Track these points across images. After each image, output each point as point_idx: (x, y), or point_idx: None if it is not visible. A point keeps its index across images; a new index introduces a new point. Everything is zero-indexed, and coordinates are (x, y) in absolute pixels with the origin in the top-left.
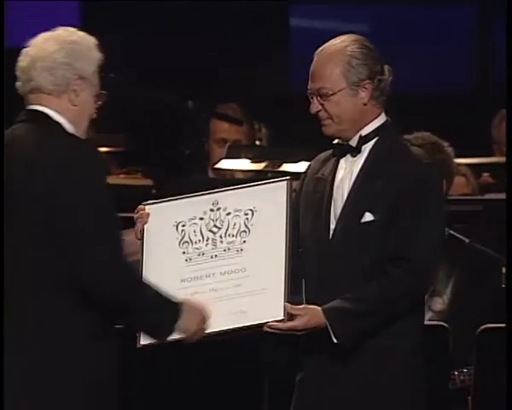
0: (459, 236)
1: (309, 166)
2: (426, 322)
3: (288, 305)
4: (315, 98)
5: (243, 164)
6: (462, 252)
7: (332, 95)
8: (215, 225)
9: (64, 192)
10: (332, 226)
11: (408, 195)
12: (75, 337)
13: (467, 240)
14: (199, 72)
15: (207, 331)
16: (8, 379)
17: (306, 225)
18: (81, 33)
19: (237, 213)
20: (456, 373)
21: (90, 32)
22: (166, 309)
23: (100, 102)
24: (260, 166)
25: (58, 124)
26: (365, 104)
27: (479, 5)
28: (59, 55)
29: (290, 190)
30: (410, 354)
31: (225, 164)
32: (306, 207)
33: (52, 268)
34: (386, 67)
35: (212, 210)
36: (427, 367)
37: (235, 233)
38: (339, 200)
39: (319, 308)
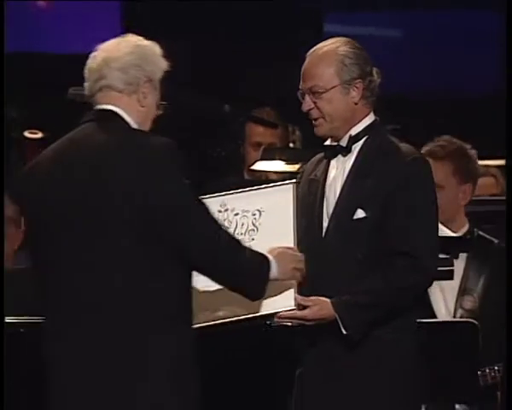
0: (488, 236)
1: (303, 168)
2: (456, 319)
3: (299, 296)
4: (307, 96)
5: (277, 166)
6: (491, 252)
7: (324, 92)
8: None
9: (155, 187)
10: (325, 225)
11: (398, 193)
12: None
13: (496, 240)
14: (234, 75)
15: (221, 321)
16: (94, 367)
17: (301, 226)
18: (148, 41)
19: (245, 214)
20: (487, 370)
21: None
22: (262, 263)
23: (160, 111)
24: (294, 167)
25: (126, 122)
26: (356, 103)
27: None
28: (131, 57)
29: (296, 192)
30: (409, 348)
31: (260, 166)
32: (301, 208)
33: (154, 258)
34: (374, 69)
35: (220, 211)
36: (457, 364)
37: (243, 232)
38: (331, 198)
39: (328, 300)
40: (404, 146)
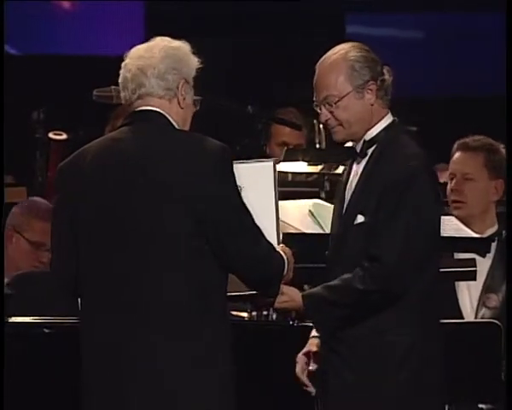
0: None
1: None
2: (479, 320)
3: None
4: (323, 108)
5: (301, 167)
6: None
7: (339, 100)
8: None
9: (210, 189)
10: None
11: (384, 195)
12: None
13: None
14: (257, 76)
15: None
16: (140, 368)
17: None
18: (177, 41)
19: None
20: None
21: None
22: (283, 267)
23: (197, 108)
24: (317, 168)
25: (170, 123)
26: (372, 104)
27: None
28: (167, 62)
29: (276, 171)
30: (409, 350)
31: (283, 167)
32: (336, 199)
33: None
34: (385, 68)
35: None
36: (480, 363)
37: None
38: (346, 203)
39: (298, 293)
40: (412, 150)
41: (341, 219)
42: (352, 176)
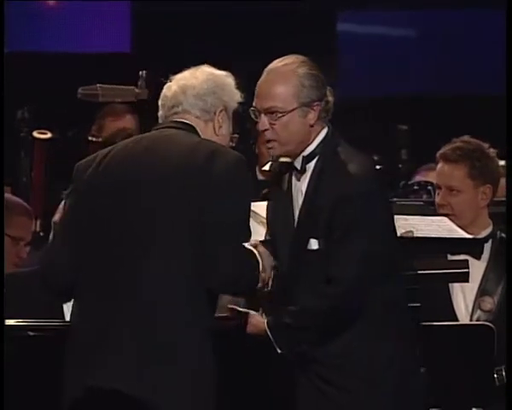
0: None
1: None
2: (472, 322)
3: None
4: (263, 116)
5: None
6: None
7: (283, 115)
8: None
9: (222, 197)
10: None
11: (333, 213)
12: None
13: None
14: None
15: None
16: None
17: (275, 235)
18: (223, 71)
19: None
20: (503, 372)
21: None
22: (256, 265)
23: (233, 144)
24: None
25: (198, 134)
26: (312, 126)
27: None
28: (208, 85)
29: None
30: (386, 362)
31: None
32: (273, 217)
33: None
34: (328, 89)
35: None
36: (473, 366)
37: None
38: (295, 222)
39: (263, 322)
40: (354, 164)
41: (291, 239)
42: (295, 193)
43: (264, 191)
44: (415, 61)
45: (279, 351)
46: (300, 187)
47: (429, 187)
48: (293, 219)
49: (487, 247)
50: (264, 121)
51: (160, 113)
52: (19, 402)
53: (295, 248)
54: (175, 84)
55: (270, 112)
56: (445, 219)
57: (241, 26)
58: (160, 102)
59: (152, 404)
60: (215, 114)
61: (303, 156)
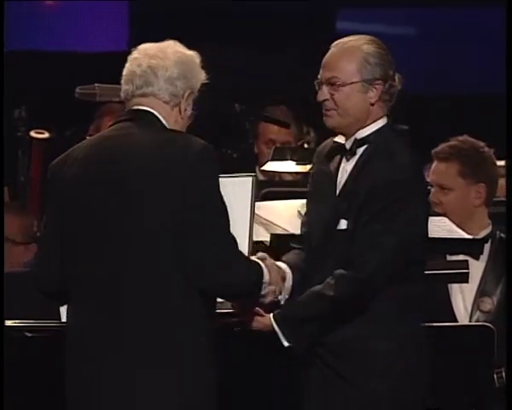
0: None
1: (319, 152)
2: (471, 323)
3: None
4: (324, 87)
5: (289, 166)
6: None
7: (343, 86)
8: None
9: (193, 186)
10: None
11: (369, 197)
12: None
13: None
14: (246, 75)
15: None
16: (120, 375)
17: (312, 217)
18: (189, 50)
19: None
20: (503, 373)
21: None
22: (259, 276)
23: (191, 121)
24: (306, 168)
25: (164, 126)
26: (372, 104)
27: None
28: (179, 68)
29: (255, 186)
30: (392, 360)
31: (271, 166)
32: (315, 197)
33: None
34: (397, 75)
35: None
36: (472, 367)
37: None
38: (332, 202)
39: (268, 316)
40: (403, 158)
41: (326, 216)
42: (340, 173)
43: (264, 191)
44: (414, 60)
45: (286, 344)
46: (346, 168)
47: (429, 187)
48: (334, 198)
49: (486, 247)
50: (324, 91)
51: (126, 87)
52: (19, 402)
53: (327, 226)
54: (145, 62)
55: (331, 83)
56: (444, 219)
57: (241, 26)
58: (124, 76)
59: (145, 405)
60: (183, 97)
61: (355, 138)
